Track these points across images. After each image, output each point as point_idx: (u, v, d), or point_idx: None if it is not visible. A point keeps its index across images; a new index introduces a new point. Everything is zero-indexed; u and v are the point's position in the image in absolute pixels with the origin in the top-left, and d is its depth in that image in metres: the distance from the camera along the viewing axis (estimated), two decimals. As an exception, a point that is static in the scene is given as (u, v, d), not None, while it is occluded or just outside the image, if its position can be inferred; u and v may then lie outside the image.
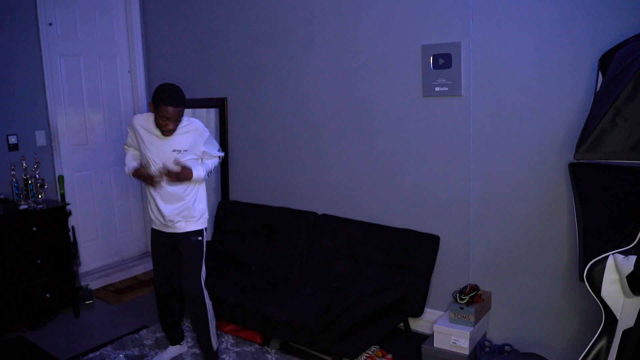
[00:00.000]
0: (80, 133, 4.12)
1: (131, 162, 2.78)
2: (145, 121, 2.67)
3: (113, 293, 4.01)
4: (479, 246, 2.91)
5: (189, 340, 3.19)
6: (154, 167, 2.66)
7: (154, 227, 2.82)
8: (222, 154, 2.88)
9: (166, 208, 2.69)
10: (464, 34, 2.77)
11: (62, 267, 3.51)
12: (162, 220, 2.74)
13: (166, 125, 2.53)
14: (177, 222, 2.73)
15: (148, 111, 2.76)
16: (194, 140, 2.67)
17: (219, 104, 3.97)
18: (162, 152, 2.64)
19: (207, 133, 2.73)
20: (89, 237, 4.21)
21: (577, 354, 1.95)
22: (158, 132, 2.61)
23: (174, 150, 2.64)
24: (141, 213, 4.63)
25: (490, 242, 2.87)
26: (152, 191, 2.72)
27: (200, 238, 2.81)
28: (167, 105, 2.46)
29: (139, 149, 2.74)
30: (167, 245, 2.80)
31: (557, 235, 2.64)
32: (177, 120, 2.56)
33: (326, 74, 3.34)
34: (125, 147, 2.88)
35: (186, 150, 2.65)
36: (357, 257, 3.23)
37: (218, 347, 2.89)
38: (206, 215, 2.86)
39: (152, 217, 2.80)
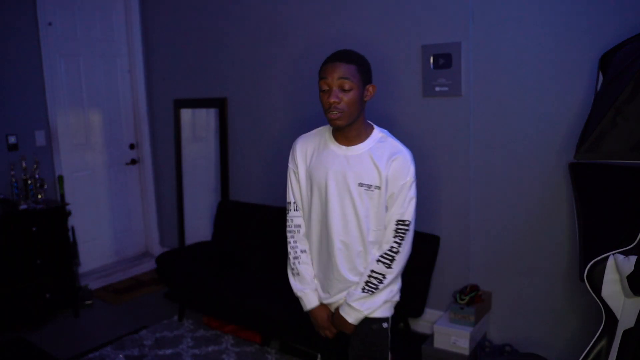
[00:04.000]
0: (80, 133, 4.12)
1: (305, 282, 1.90)
2: (312, 139, 1.87)
3: (113, 293, 4.01)
4: (479, 246, 2.91)
5: (189, 340, 3.19)
6: (331, 215, 1.79)
7: None
8: (411, 230, 1.81)
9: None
10: (464, 34, 2.77)
11: (61, 267, 3.51)
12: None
13: (328, 98, 1.68)
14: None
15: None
16: (380, 171, 1.75)
17: (219, 104, 3.97)
18: (341, 185, 1.76)
19: (410, 174, 1.77)
20: (89, 237, 4.21)
21: (577, 354, 1.95)
22: (341, 149, 1.79)
23: (361, 185, 1.75)
24: (141, 213, 4.63)
25: (490, 242, 2.87)
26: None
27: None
28: (325, 63, 1.70)
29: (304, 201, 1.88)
30: None
31: (557, 235, 2.64)
32: (344, 88, 1.69)
33: (326, 74, 3.34)
34: (289, 221, 1.91)
35: (378, 188, 1.75)
36: (357, 257, 3.22)
37: None
38: None
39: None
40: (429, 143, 2.99)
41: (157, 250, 4.58)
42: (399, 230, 1.78)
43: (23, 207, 3.35)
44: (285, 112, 3.60)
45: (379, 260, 1.79)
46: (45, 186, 3.62)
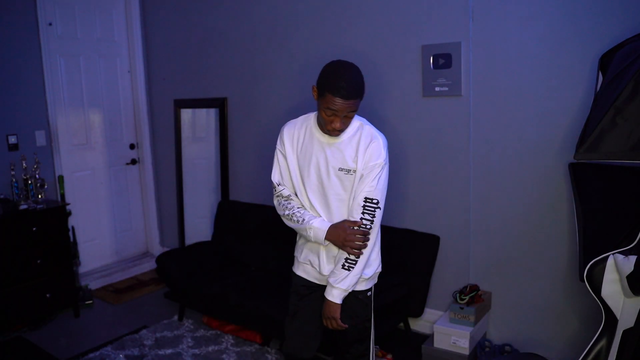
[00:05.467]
0: (80, 133, 4.12)
1: (316, 218, 1.96)
2: (299, 126, 2.02)
3: (113, 293, 4.01)
4: (479, 246, 2.91)
5: (189, 340, 3.19)
6: (312, 197, 1.97)
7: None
8: (379, 213, 1.92)
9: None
10: (464, 34, 2.77)
11: (62, 267, 3.51)
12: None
13: (331, 123, 1.83)
14: None
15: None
16: (358, 157, 1.91)
17: (219, 104, 3.97)
18: (322, 169, 1.94)
19: (381, 157, 1.90)
20: (89, 237, 4.21)
21: (577, 354, 1.95)
22: (324, 137, 1.94)
23: (341, 170, 1.92)
24: (141, 213, 4.63)
25: (490, 242, 2.87)
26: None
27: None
28: (335, 95, 1.78)
29: (292, 181, 2.03)
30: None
31: (557, 235, 2.64)
32: (348, 116, 1.85)
33: (326, 74, 3.34)
34: (278, 196, 2.05)
35: (355, 172, 1.91)
36: (357, 257, 3.22)
37: None
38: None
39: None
40: (429, 143, 2.99)
41: (157, 250, 4.59)
42: (367, 208, 1.89)
43: (23, 207, 3.35)
44: (285, 111, 3.59)
45: None
46: (46, 186, 3.62)
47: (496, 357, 2.70)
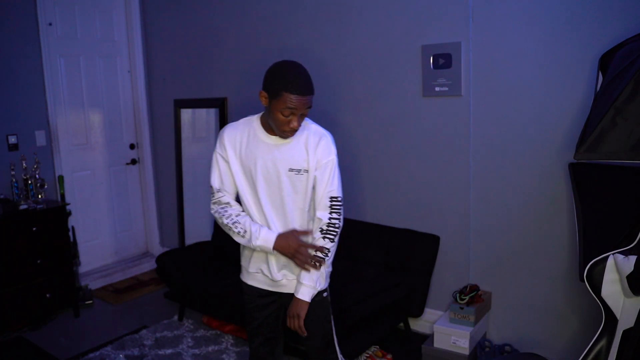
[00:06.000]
0: (80, 133, 4.12)
1: (261, 227, 1.91)
2: (241, 130, 1.94)
3: (113, 293, 4.01)
4: (479, 246, 2.91)
5: (189, 340, 3.19)
6: (266, 203, 1.92)
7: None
8: (340, 205, 1.93)
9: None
10: (464, 34, 2.77)
11: (62, 267, 3.51)
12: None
13: (289, 123, 1.80)
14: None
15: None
16: (309, 156, 1.89)
17: (219, 104, 3.97)
18: (271, 171, 1.89)
19: (332, 153, 1.93)
20: (89, 237, 4.21)
21: (577, 354, 1.95)
22: (271, 138, 1.89)
23: (291, 170, 1.89)
24: (141, 213, 4.64)
25: (490, 242, 2.87)
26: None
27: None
28: (292, 93, 1.75)
29: (237, 187, 1.97)
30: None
31: (557, 235, 2.64)
32: (304, 114, 1.83)
33: (326, 73, 3.34)
34: (216, 202, 2.00)
35: (307, 171, 1.90)
36: (357, 257, 3.22)
37: None
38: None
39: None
40: (429, 143, 2.99)
41: (157, 250, 4.59)
42: (334, 207, 1.91)
43: (23, 207, 3.35)
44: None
45: (324, 237, 1.90)
46: (46, 186, 3.62)
47: (496, 357, 2.70)
